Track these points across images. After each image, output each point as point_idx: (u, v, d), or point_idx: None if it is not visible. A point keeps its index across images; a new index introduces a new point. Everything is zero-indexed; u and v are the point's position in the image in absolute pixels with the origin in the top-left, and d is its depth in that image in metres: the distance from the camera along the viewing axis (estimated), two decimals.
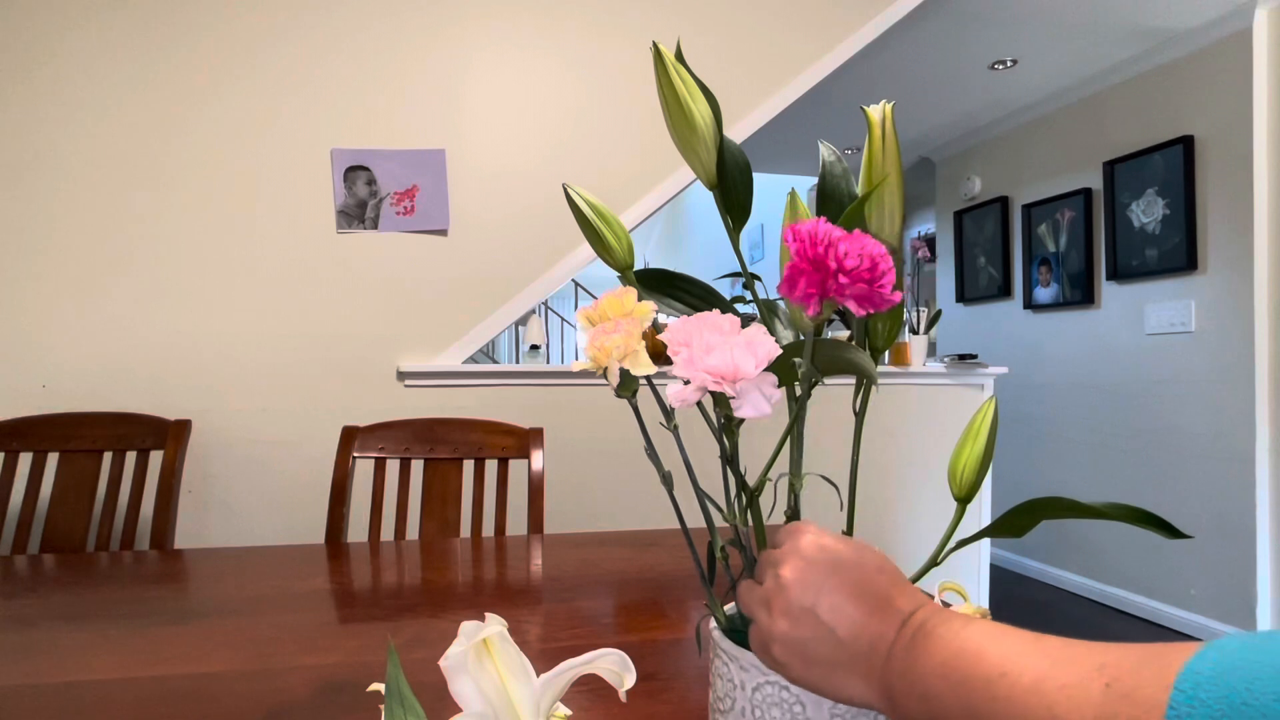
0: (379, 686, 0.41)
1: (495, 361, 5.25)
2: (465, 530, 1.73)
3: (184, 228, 1.83)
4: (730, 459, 0.45)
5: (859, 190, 0.51)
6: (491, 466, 1.74)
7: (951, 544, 0.44)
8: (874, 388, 0.48)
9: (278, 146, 1.87)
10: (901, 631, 0.36)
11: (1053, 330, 3.45)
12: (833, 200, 0.52)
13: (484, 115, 1.99)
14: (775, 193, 2.61)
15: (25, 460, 1.44)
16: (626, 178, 2.06)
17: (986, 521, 2.39)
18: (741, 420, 0.43)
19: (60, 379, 1.76)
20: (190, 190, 1.83)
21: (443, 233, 1.96)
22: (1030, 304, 3.55)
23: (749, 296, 0.53)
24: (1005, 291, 3.70)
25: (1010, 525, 0.41)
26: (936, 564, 0.45)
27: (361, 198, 1.91)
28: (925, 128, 3.88)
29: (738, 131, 2.09)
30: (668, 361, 0.42)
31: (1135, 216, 2.98)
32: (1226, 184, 2.65)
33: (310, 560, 1.08)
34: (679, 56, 0.49)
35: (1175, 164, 2.80)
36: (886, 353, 0.61)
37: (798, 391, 0.46)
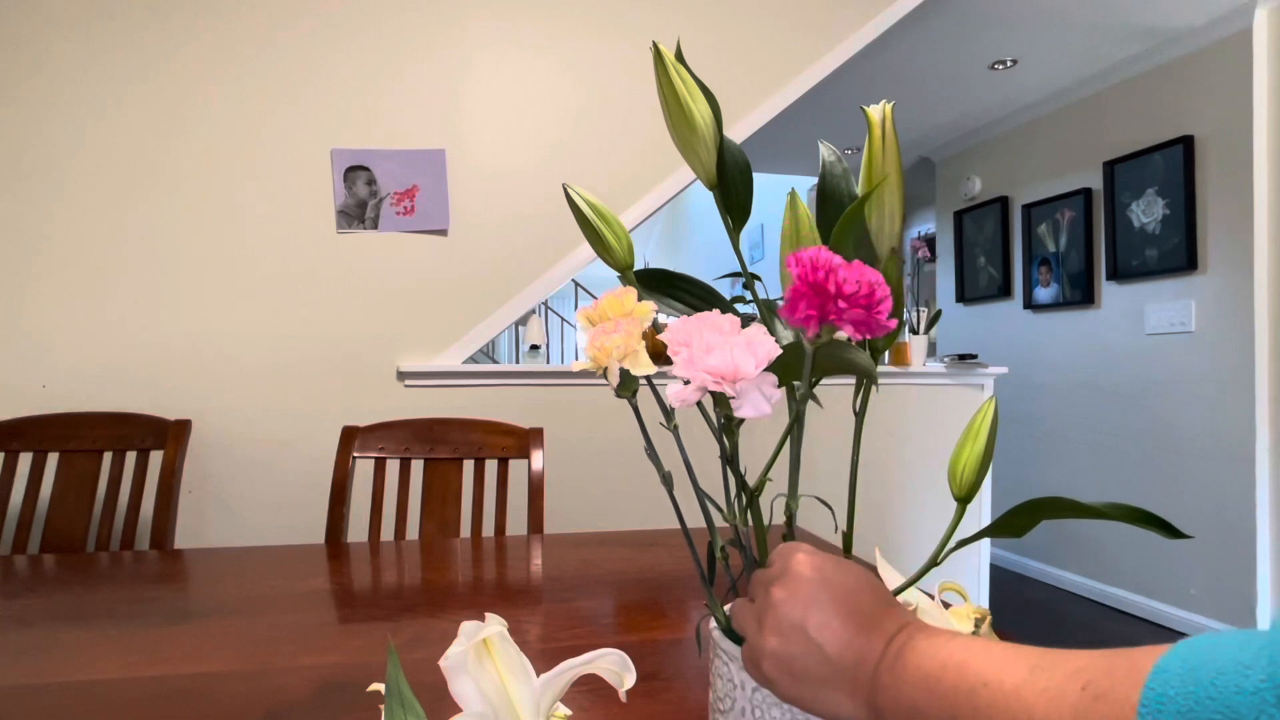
0: (379, 686, 0.41)
1: (495, 361, 5.25)
2: (465, 530, 1.73)
3: (184, 228, 1.83)
4: (730, 459, 0.45)
5: (859, 190, 0.51)
6: (491, 466, 1.74)
7: (951, 544, 0.44)
8: (874, 388, 0.48)
9: (277, 147, 1.87)
10: (888, 648, 0.37)
11: (1053, 330, 3.45)
12: (833, 200, 0.52)
13: (484, 115, 1.99)
14: (775, 193, 2.61)
15: (25, 460, 1.44)
16: (626, 178, 2.06)
17: (986, 521, 2.39)
18: (741, 420, 0.43)
19: (60, 379, 1.76)
20: (190, 190, 1.83)
21: (443, 233, 1.96)
22: (1030, 304, 3.55)
23: (749, 296, 0.53)
24: (1005, 291, 3.69)
25: (1010, 525, 0.41)
26: (936, 564, 0.45)
27: (361, 198, 1.91)
28: (925, 128, 3.88)
29: (738, 131, 2.09)
30: (668, 361, 0.42)
31: (1135, 216, 2.98)
32: (1226, 184, 2.65)
33: (310, 560, 1.08)
34: (679, 56, 0.49)
35: (1175, 164, 2.80)
36: (886, 353, 0.61)
37: (799, 405, 0.46)
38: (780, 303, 0.53)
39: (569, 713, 0.43)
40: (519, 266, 2.00)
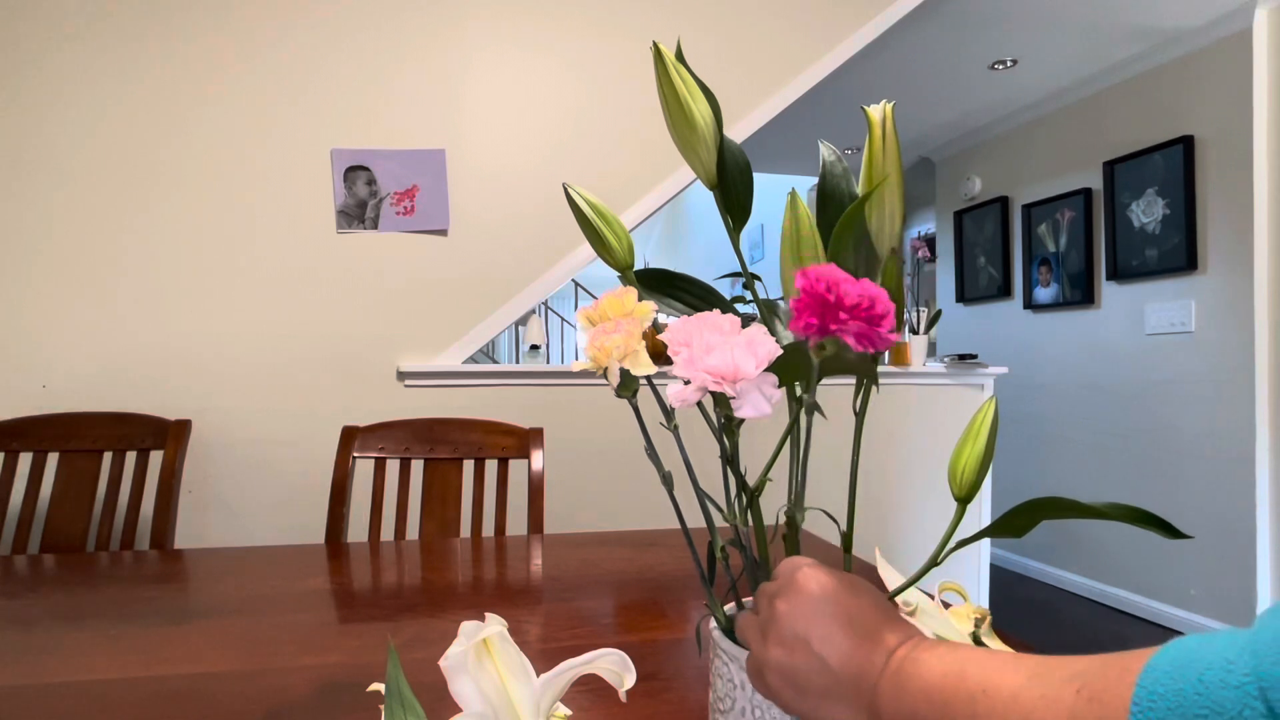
0: (379, 686, 0.41)
1: (495, 361, 5.25)
2: (465, 530, 1.73)
3: (184, 227, 1.83)
4: (730, 459, 0.45)
5: (859, 190, 0.51)
6: (491, 466, 1.74)
7: (951, 544, 0.44)
8: (874, 388, 0.48)
9: (278, 147, 1.87)
10: (890, 661, 0.37)
11: (1053, 330, 3.45)
12: (833, 200, 0.52)
13: (484, 115, 1.99)
14: (775, 193, 2.61)
15: (25, 460, 1.44)
16: (626, 178, 2.06)
17: (986, 521, 2.39)
18: (742, 420, 0.43)
19: (60, 379, 1.76)
20: (190, 190, 1.83)
21: (443, 233, 1.96)
22: (1030, 304, 3.55)
23: (749, 296, 0.53)
24: (1005, 291, 3.70)
25: (1010, 525, 0.41)
26: (936, 564, 0.45)
27: (361, 198, 1.91)
28: (925, 128, 3.88)
29: (738, 131, 2.09)
30: (668, 361, 0.42)
31: (1135, 216, 2.98)
32: (1226, 184, 2.65)
33: (310, 560, 1.08)
34: (679, 56, 0.49)
35: (1175, 164, 2.80)
36: (887, 353, 0.61)
37: (801, 419, 0.46)
38: (780, 302, 0.53)
39: (569, 713, 0.43)
40: (519, 266, 2.00)
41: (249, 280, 1.86)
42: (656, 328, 0.46)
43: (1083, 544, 3.29)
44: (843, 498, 2.03)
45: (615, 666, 0.41)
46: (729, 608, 0.50)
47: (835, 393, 2.07)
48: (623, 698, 0.42)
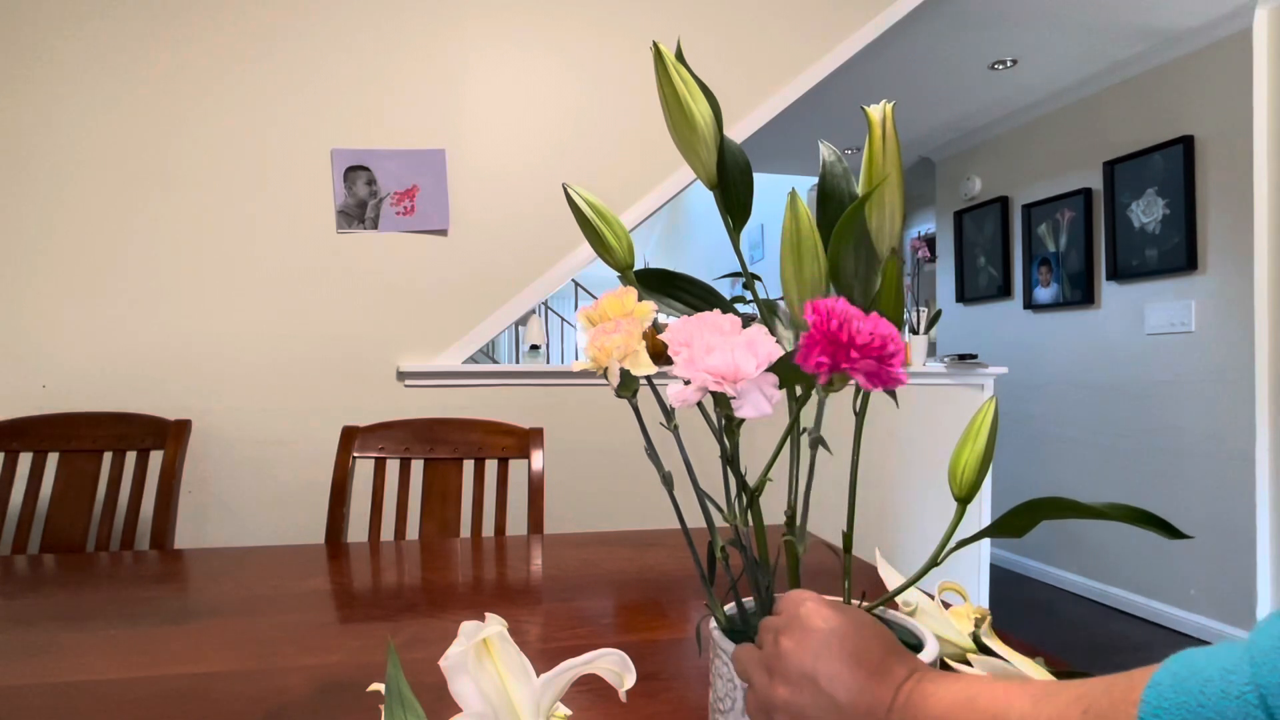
0: (379, 686, 0.41)
1: (495, 361, 5.25)
2: (465, 530, 1.73)
3: (184, 227, 1.83)
4: (730, 459, 0.45)
5: (859, 190, 0.51)
6: (491, 466, 1.74)
7: (951, 544, 0.44)
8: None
9: (278, 147, 1.87)
10: (898, 695, 0.38)
11: (1053, 330, 3.45)
12: (833, 200, 0.52)
13: (484, 115, 1.99)
14: (775, 193, 2.61)
15: (25, 460, 1.44)
16: (626, 178, 2.06)
17: (986, 521, 2.39)
18: (742, 420, 0.43)
19: (60, 379, 1.76)
20: (190, 190, 1.83)
21: (443, 233, 1.96)
22: (1030, 304, 3.55)
23: (749, 296, 0.53)
24: (1005, 291, 3.69)
25: (1010, 525, 0.41)
26: (936, 564, 0.45)
27: (361, 198, 1.91)
28: (925, 128, 3.88)
29: (738, 131, 2.09)
30: (668, 361, 0.42)
31: (1135, 216, 2.98)
32: (1226, 184, 2.65)
33: (310, 560, 1.08)
34: (679, 56, 0.49)
35: (1175, 164, 2.80)
36: None
37: (804, 452, 0.46)
38: (780, 302, 0.53)
39: (569, 713, 0.43)
40: (519, 266, 2.00)
41: (249, 280, 1.86)
42: (656, 328, 0.46)
43: (1083, 544, 3.29)
44: (843, 498, 2.02)
45: (615, 666, 0.41)
46: (729, 608, 0.50)
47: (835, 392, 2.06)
48: (623, 698, 0.42)
